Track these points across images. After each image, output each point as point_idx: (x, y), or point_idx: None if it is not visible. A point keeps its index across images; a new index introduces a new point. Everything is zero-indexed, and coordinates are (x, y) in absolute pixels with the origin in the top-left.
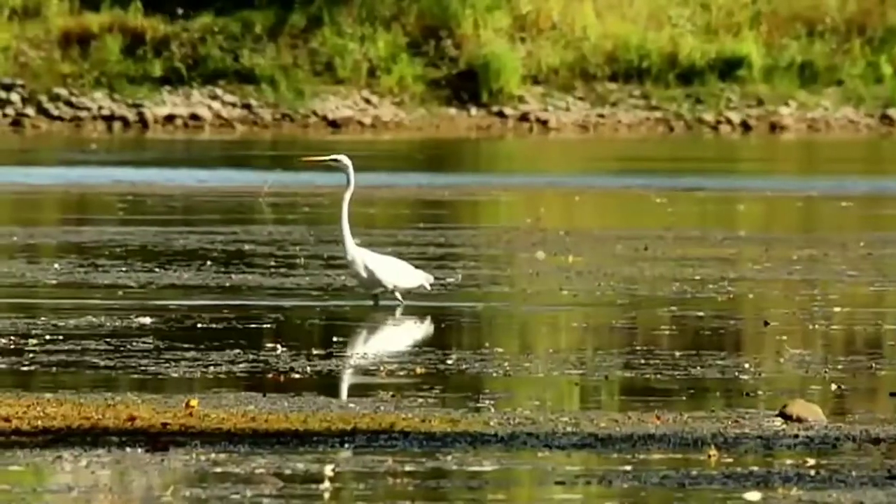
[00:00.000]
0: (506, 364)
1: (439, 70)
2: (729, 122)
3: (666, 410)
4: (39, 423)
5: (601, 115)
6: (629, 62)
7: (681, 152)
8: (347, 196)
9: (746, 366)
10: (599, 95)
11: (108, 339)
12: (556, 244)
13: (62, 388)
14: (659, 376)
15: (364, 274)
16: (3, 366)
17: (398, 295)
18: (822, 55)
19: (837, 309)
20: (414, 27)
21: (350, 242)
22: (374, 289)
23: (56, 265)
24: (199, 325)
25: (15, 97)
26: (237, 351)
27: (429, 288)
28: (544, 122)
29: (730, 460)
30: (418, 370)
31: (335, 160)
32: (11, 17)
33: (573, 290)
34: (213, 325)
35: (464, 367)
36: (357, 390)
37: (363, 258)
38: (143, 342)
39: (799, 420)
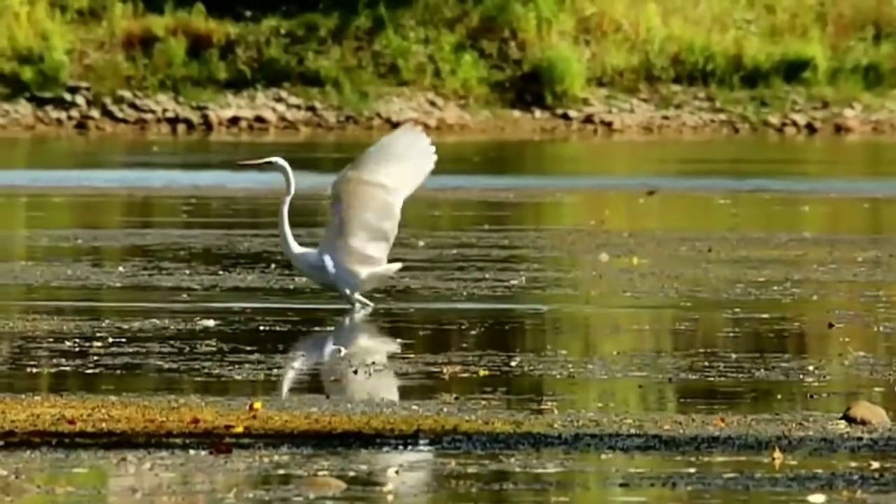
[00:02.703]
0: (569, 366)
1: (503, 72)
2: (794, 124)
3: (730, 413)
4: (104, 425)
5: (665, 118)
6: (694, 64)
7: (745, 154)
8: (287, 199)
9: (810, 368)
10: (664, 97)
11: (172, 342)
12: (620, 246)
13: (126, 391)
14: (722, 378)
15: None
16: (67, 368)
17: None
18: (887, 57)
19: None
20: (478, 29)
21: (292, 243)
22: (333, 284)
23: (120, 268)
24: (262, 328)
25: (80, 100)
26: (301, 353)
27: (393, 272)
28: (608, 125)
29: (794, 463)
30: (482, 372)
31: (269, 162)
32: (75, 19)
33: (637, 291)
34: (277, 328)
35: (527, 369)
36: (420, 392)
37: (310, 261)
38: (207, 345)
39: (863, 423)
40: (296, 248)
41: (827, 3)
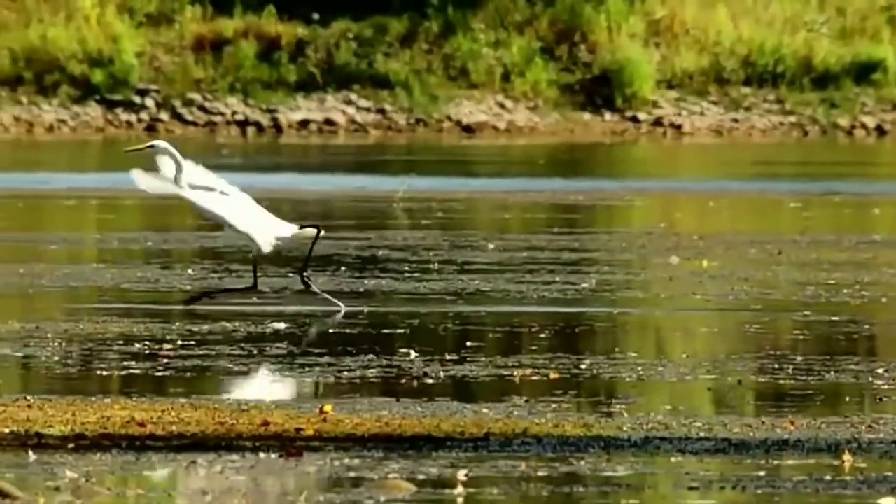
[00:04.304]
0: (639, 369)
1: (573, 75)
2: (864, 126)
3: (799, 415)
4: (174, 427)
5: (735, 120)
6: (764, 66)
7: (815, 157)
8: (182, 177)
9: (880, 370)
10: (734, 100)
11: (242, 345)
12: (690, 249)
13: (197, 393)
14: (792, 381)
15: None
16: (138, 371)
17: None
18: None
19: None
20: (547, 32)
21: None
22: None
23: (190, 270)
24: (333, 331)
25: (149, 102)
26: (371, 356)
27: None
28: (678, 127)
29: (863, 465)
30: (552, 375)
31: (152, 146)
32: (145, 22)
33: (707, 294)
34: (347, 331)
35: (597, 371)
36: (490, 395)
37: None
38: (278, 347)
39: None
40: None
41: None
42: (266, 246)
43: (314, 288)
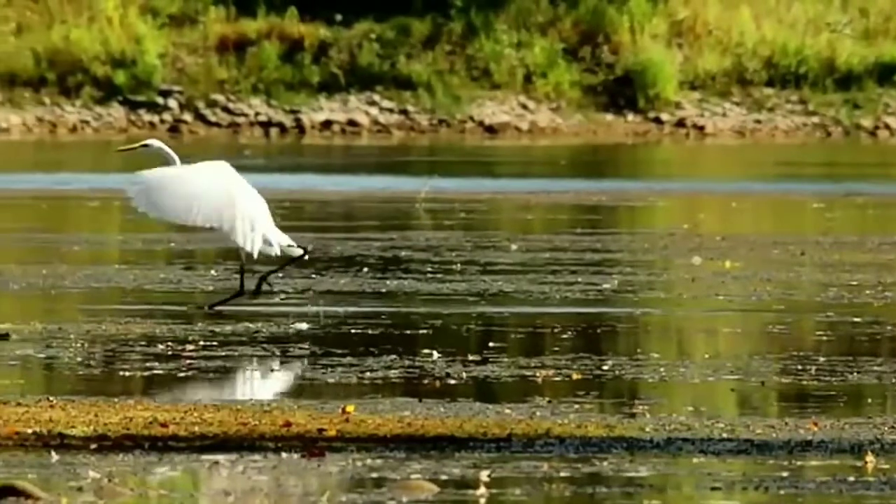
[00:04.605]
0: (661, 370)
1: (596, 76)
2: (887, 127)
3: (822, 416)
4: (196, 428)
5: (758, 121)
6: (786, 67)
7: (838, 157)
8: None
9: None
10: (756, 101)
11: (264, 345)
12: (713, 249)
13: (219, 394)
14: (815, 382)
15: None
16: (160, 371)
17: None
18: None
19: None
20: (570, 33)
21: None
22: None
23: (213, 271)
24: (355, 331)
25: (172, 103)
26: (393, 357)
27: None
28: (701, 128)
29: (887, 466)
30: (574, 376)
31: (145, 145)
32: (168, 23)
33: (729, 295)
34: (370, 331)
35: (620, 372)
36: (513, 396)
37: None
38: (300, 348)
39: None
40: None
41: None
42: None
43: (265, 288)
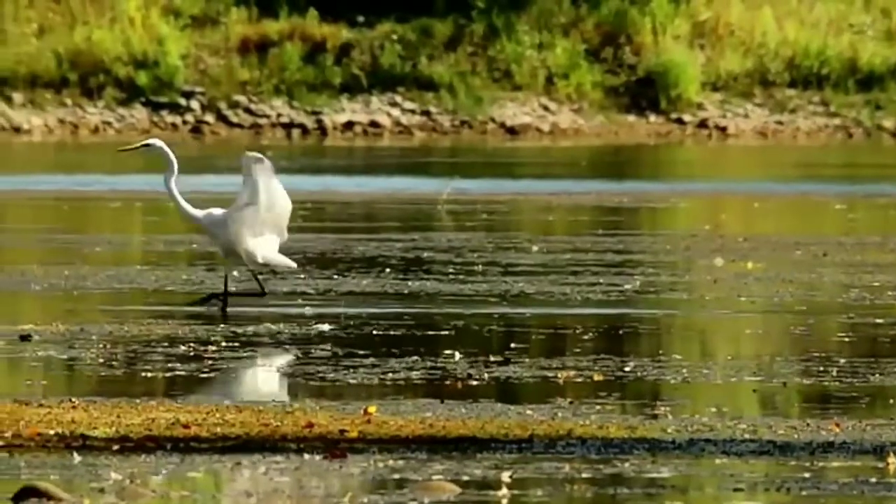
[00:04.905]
0: (684, 371)
1: (618, 77)
2: None
3: (845, 417)
4: (219, 429)
5: (780, 122)
6: (808, 68)
7: (860, 159)
8: (172, 177)
9: None
10: (778, 102)
11: (286, 346)
12: (735, 250)
13: (241, 395)
14: (837, 383)
15: (222, 235)
16: (183, 373)
17: (262, 260)
18: None
19: None
20: (592, 34)
21: (191, 209)
22: (234, 249)
23: (235, 272)
24: (377, 333)
25: (195, 104)
26: (415, 358)
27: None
28: (723, 129)
29: None
30: (596, 377)
31: (146, 145)
32: (190, 24)
33: (751, 296)
34: (392, 332)
35: (641, 373)
36: (534, 397)
37: (214, 218)
38: (322, 349)
39: None
40: (196, 212)
41: None
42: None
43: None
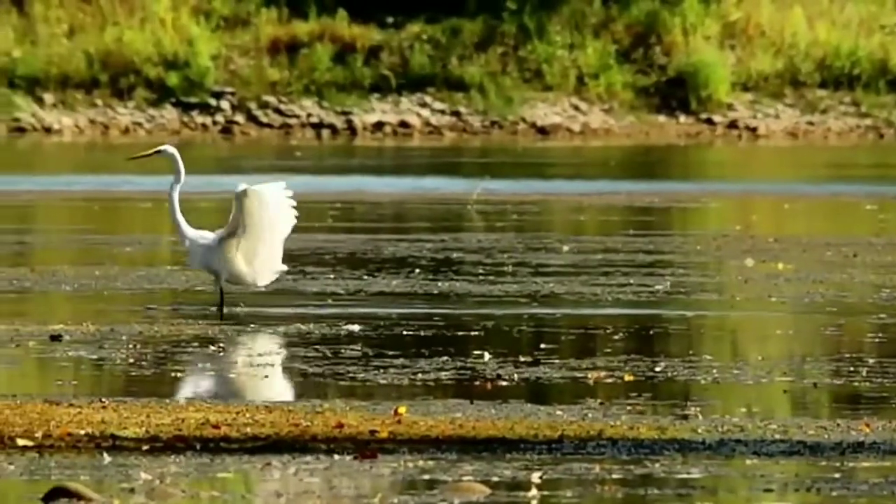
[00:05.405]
0: (714, 371)
1: (648, 77)
2: None
3: (875, 418)
4: (248, 429)
5: (811, 123)
6: (839, 69)
7: (891, 159)
8: (177, 186)
9: None
10: (809, 102)
11: (316, 347)
12: (766, 251)
13: (271, 395)
14: (868, 384)
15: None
16: (212, 373)
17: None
18: None
19: None
20: (623, 35)
21: (185, 226)
22: (215, 271)
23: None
24: (407, 333)
25: (225, 105)
26: (445, 358)
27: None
28: (753, 130)
29: None
30: (626, 377)
31: (159, 151)
32: (221, 25)
33: (782, 296)
34: (422, 333)
35: (672, 374)
36: (564, 397)
37: (202, 241)
38: (352, 349)
39: None
40: (189, 231)
41: None
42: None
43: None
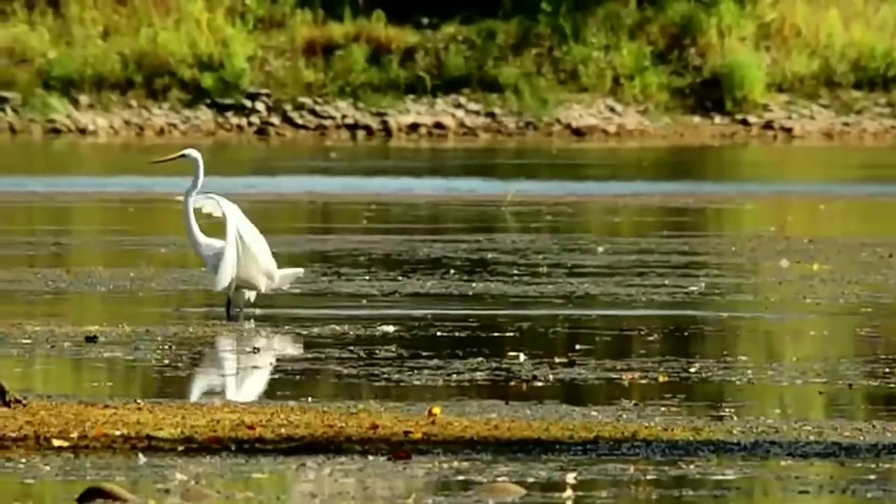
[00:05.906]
0: (749, 372)
1: (683, 78)
2: None
3: None
4: (283, 430)
5: (846, 124)
6: (875, 70)
7: None
8: (193, 192)
9: None
10: (844, 103)
11: (351, 348)
12: (801, 252)
13: (306, 396)
14: None
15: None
16: (247, 374)
17: (262, 287)
18: None
19: None
20: (658, 36)
21: (197, 233)
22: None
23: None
24: (442, 334)
25: (260, 106)
26: (480, 359)
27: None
28: (788, 131)
29: None
30: (661, 378)
31: (183, 155)
32: (256, 27)
33: (817, 297)
34: (457, 334)
35: (707, 375)
36: (599, 398)
37: (214, 249)
38: (387, 350)
39: None
40: (201, 238)
41: None
42: (223, 284)
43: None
